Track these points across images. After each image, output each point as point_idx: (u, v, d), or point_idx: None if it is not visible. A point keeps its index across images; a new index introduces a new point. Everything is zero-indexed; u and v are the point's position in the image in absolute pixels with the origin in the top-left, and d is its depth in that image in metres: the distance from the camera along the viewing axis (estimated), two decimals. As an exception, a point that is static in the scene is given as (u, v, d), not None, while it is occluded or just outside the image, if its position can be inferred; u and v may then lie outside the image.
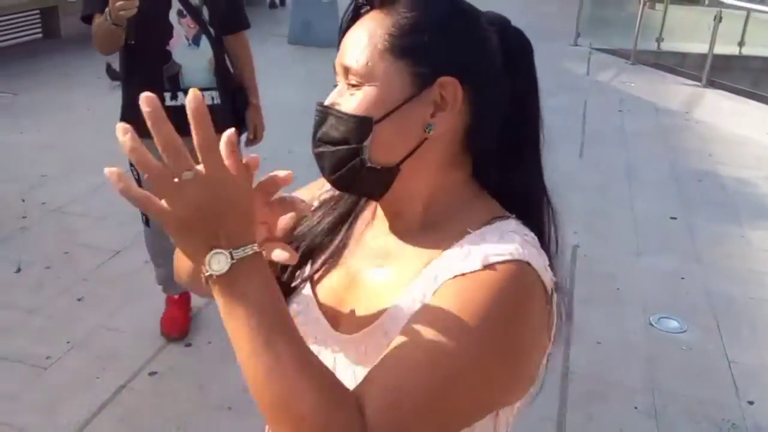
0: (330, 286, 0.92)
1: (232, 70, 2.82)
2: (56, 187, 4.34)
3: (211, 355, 2.88)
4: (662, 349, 3.14)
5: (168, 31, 2.51)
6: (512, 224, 0.82)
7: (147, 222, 2.83)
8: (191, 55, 2.57)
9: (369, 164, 0.81)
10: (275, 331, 0.68)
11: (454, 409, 0.73)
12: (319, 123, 0.84)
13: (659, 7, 10.34)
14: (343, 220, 0.96)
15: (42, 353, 2.82)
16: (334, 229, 0.96)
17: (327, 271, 0.93)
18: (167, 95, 2.50)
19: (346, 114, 0.81)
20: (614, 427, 2.64)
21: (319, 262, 0.94)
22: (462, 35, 0.82)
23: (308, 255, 0.95)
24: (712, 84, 8.05)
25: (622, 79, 8.10)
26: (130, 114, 2.56)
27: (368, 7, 0.83)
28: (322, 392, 0.67)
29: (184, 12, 2.52)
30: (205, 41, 2.60)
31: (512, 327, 0.75)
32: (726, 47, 8.95)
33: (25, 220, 3.91)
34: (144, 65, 2.55)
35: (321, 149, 0.84)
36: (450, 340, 0.72)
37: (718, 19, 7.96)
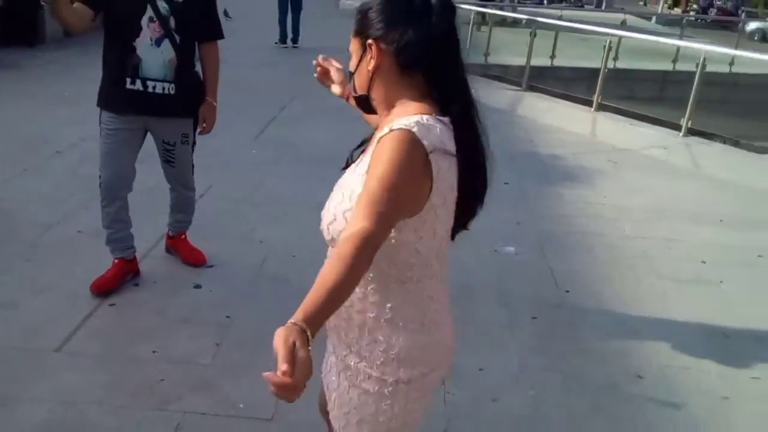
0: None
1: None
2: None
3: (159, 289, 3.53)
4: (504, 265, 4.19)
5: (136, 32, 3.10)
6: (425, 117, 1.37)
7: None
8: (151, 53, 3.14)
9: (355, 94, 1.55)
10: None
11: (389, 201, 1.29)
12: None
13: (484, 29, 11.97)
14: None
15: (10, 299, 3.32)
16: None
17: None
18: (128, 80, 3.14)
19: (350, 72, 1.56)
20: (481, 315, 3.59)
21: None
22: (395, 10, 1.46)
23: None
24: (531, 88, 9.59)
25: (458, 86, 9.42)
26: (102, 93, 3.27)
27: None
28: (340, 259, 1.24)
29: (154, 18, 3.12)
30: (166, 43, 3.16)
31: (398, 161, 1.31)
32: (541, 60, 10.60)
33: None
34: (114, 55, 3.18)
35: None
36: (375, 171, 1.31)
37: (533, 35, 9.53)
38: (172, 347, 3.07)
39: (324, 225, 1.50)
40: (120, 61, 3.15)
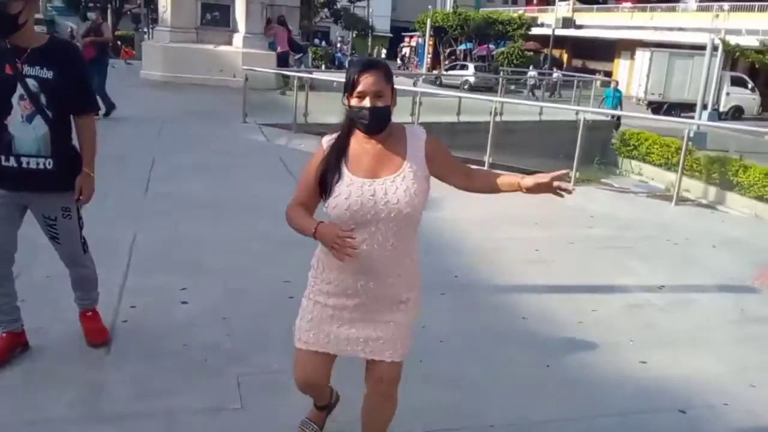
0: (358, 169, 2.62)
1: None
2: None
3: (155, 332, 4.28)
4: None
5: (7, 110, 3.19)
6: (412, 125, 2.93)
7: None
8: (23, 129, 3.22)
9: (382, 117, 2.48)
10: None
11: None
12: (373, 112, 2.45)
13: (290, 93, 13.40)
14: (342, 151, 2.75)
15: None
16: (339, 158, 2.60)
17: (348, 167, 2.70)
18: (2, 157, 3.23)
19: (385, 106, 2.48)
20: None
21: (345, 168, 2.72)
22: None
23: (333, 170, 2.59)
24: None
25: (293, 143, 10.65)
26: None
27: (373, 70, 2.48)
28: None
29: (25, 96, 3.19)
30: (38, 119, 3.23)
31: None
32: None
33: None
34: None
35: (375, 118, 2.46)
36: (449, 154, 2.72)
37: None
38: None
39: (401, 205, 2.53)
40: None
